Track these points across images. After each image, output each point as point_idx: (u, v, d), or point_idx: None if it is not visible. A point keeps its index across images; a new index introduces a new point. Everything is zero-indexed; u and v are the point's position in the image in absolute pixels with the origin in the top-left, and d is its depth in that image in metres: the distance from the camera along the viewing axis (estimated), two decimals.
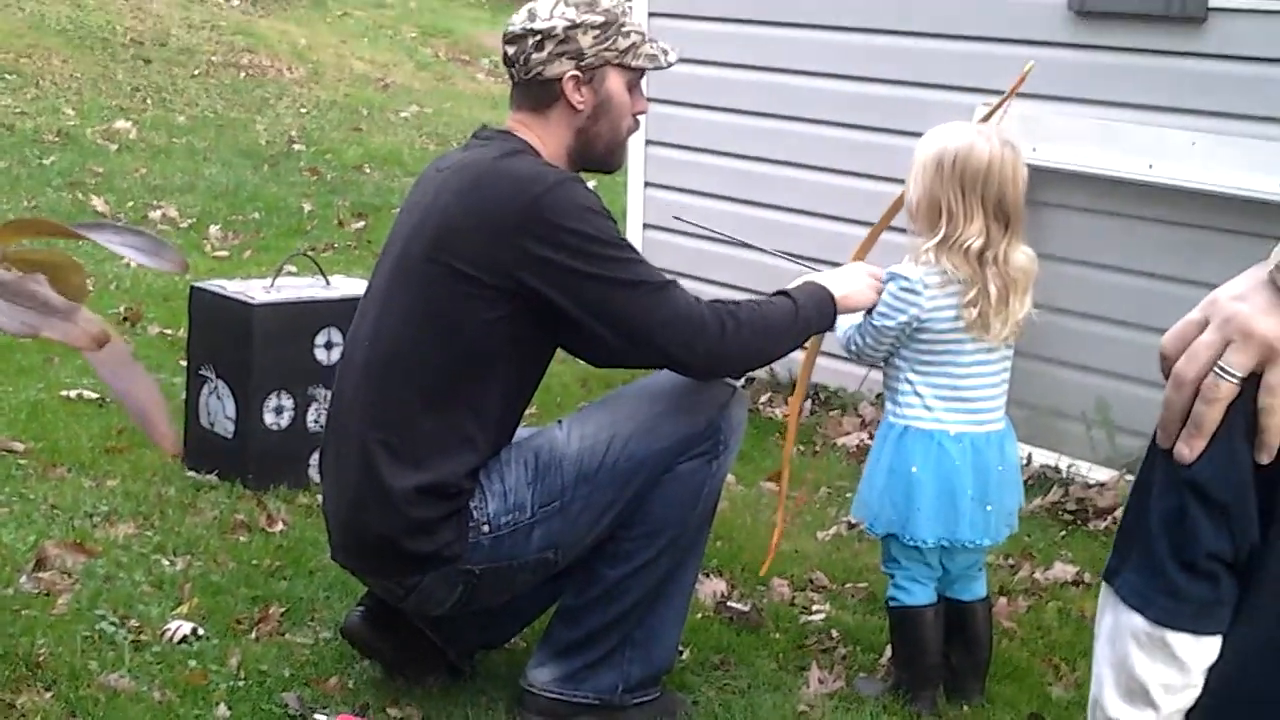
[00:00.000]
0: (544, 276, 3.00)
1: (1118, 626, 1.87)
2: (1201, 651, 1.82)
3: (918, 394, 3.33)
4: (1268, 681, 1.82)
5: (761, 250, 3.75)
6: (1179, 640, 1.81)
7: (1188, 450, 1.75)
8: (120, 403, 1.17)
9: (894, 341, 3.33)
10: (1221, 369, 1.72)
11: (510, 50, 3.18)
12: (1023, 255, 3.33)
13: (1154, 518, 1.82)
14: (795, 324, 3.21)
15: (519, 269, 3.00)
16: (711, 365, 3.13)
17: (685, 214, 6.07)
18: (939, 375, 3.32)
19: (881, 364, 3.44)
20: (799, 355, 3.64)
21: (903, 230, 3.52)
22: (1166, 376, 1.79)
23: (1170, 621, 1.81)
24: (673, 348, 3.05)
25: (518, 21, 3.18)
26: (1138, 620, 1.83)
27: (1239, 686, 1.84)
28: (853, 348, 3.39)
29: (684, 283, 3.22)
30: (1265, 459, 1.73)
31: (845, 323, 3.36)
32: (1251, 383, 1.72)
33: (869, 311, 3.33)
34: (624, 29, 3.18)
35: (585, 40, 3.14)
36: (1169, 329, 1.78)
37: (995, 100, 3.91)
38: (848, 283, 3.32)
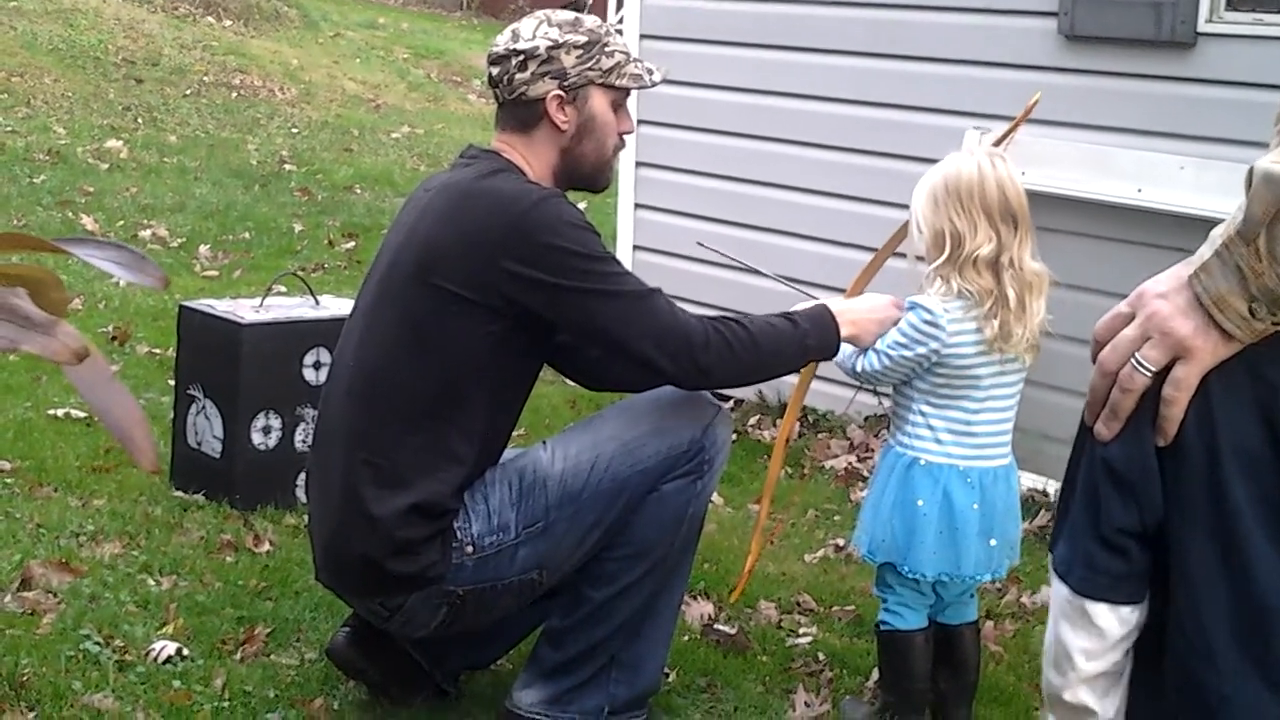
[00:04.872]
0: (529, 293, 3.00)
1: (1052, 596, 2.03)
2: (1119, 620, 1.97)
3: (930, 426, 3.26)
4: (1185, 649, 1.93)
5: (793, 287, 3.63)
6: (1097, 609, 1.97)
7: (1105, 431, 1.92)
8: (100, 419, 1.16)
9: (908, 372, 3.26)
10: (1138, 362, 1.88)
11: (494, 71, 3.18)
12: (1036, 262, 3.30)
13: (1077, 491, 1.98)
14: (791, 346, 3.17)
15: (504, 286, 2.99)
16: (695, 376, 3.09)
17: (676, 236, 6.11)
18: (954, 409, 3.26)
19: (886, 391, 3.37)
20: (792, 379, 3.60)
21: (902, 255, 3.49)
22: (1094, 361, 1.94)
23: (1088, 591, 1.98)
24: (655, 356, 3.02)
25: (501, 42, 3.18)
26: (1064, 589, 2.01)
27: (1162, 653, 1.96)
28: (859, 369, 3.29)
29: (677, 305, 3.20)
30: (1161, 443, 1.89)
31: (848, 347, 3.28)
32: (1164, 373, 1.87)
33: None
34: (607, 49, 3.18)
35: (568, 60, 3.14)
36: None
37: (990, 126, 3.91)
38: (862, 316, 3.26)
